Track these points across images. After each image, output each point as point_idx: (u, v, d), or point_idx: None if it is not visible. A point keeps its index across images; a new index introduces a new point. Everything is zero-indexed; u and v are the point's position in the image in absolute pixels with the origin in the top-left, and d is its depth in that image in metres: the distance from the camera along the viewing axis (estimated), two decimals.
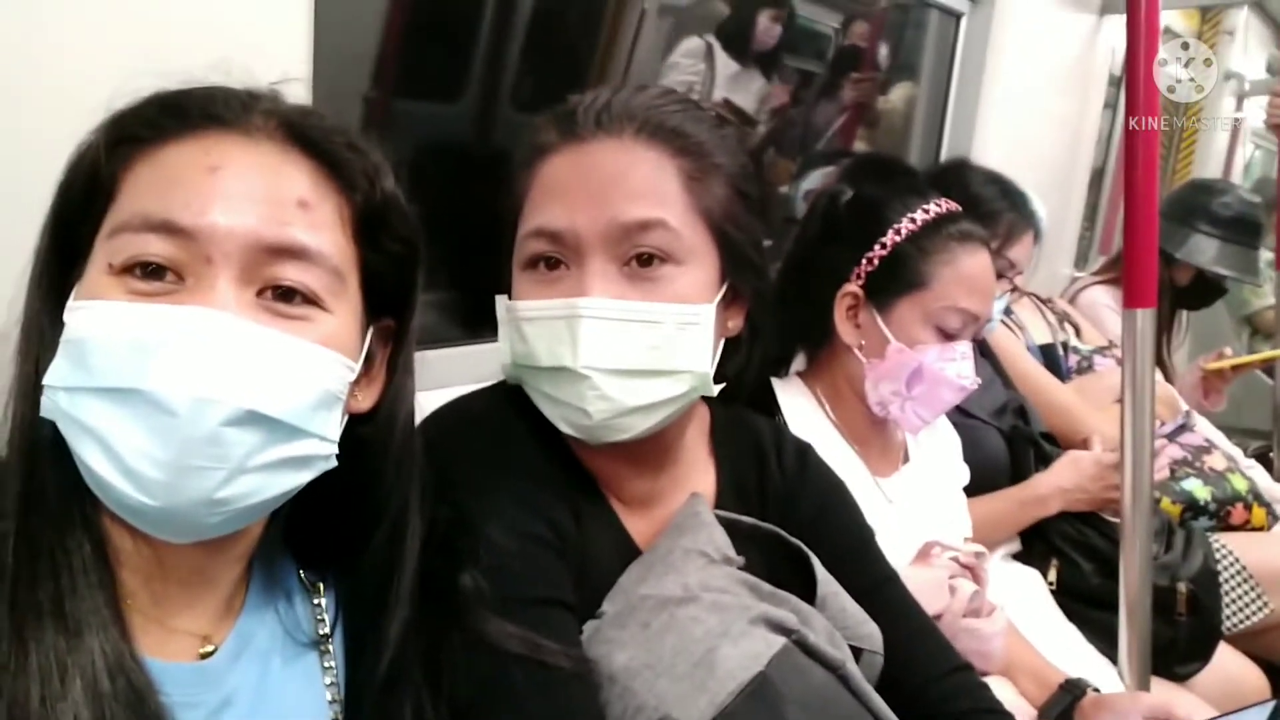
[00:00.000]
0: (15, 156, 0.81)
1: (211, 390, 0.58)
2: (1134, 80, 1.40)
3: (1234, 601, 1.78)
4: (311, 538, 0.76)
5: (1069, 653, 1.50)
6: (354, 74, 1.35)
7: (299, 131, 0.66)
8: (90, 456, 0.58)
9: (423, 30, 1.44)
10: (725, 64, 1.99)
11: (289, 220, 0.63)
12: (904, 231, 1.32)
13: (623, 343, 0.82)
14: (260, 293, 0.63)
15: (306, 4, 1.05)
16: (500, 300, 0.90)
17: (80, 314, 0.60)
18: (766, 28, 2.06)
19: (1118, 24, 2.80)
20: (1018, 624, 1.42)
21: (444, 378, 0.98)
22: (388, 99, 1.42)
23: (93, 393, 0.58)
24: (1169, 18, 3.36)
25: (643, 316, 0.82)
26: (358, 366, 0.68)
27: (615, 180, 0.83)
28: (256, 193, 0.63)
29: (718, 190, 0.87)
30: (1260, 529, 2.08)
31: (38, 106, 0.83)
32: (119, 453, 0.58)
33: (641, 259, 0.83)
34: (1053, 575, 1.66)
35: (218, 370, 0.58)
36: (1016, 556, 1.71)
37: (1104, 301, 2.52)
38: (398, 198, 0.70)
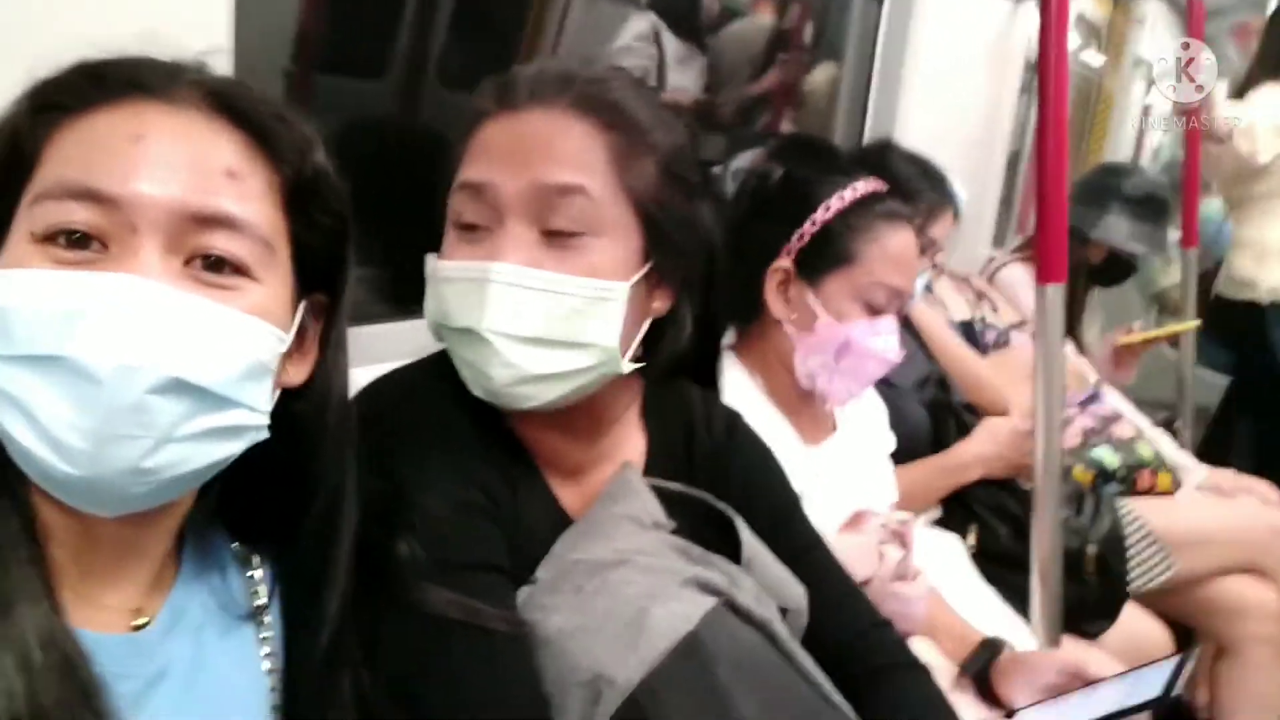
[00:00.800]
0: None
1: (136, 357, 0.57)
2: (1045, 64, 1.46)
3: (1141, 564, 1.86)
4: (245, 511, 0.75)
5: (987, 613, 1.55)
6: (276, 49, 1.33)
7: (226, 101, 0.65)
8: (13, 426, 0.58)
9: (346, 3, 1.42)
10: (672, 44, 1.99)
11: (216, 189, 0.62)
12: (833, 209, 1.35)
13: (529, 311, 0.82)
14: (188, 262, 0.62)
15: None
16: (429, 258, 0.90)
17: (1, 283, 0.59)
18: (710, 4, 2.07)
19: (1034, 10, 2.88)
20: (939, 587, 1.47)
21: (375, 355, 0.98)
22: (309, 75, 1.40)
23: (14, 360, 0.57)
24: (1082, 4, 3.46)
25: (552, 287, 0.82)
26: (289, 338, 0.67)
27: (541, 145, 0.84)
28: (182, 161, 0.62)
29: (648, 169, 0.87)
30: (1166, 493, 2.18)
31: None
32: (42, 422, 0.57)
33: (561, 230, 0.83)
34: (971, 539, 1.72)
35: (143, 337, 0.58)
36: (938, 523, 1.77)
37: (1019, 279, 2.60)
38: (328, 171, 0.70)
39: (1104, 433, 2.19)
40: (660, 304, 0.92)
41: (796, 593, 0.95)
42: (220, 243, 0.62)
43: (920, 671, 1.03)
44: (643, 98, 0.90)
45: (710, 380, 1.10)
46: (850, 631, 1.01)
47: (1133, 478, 2.14)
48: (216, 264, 0.62)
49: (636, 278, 0.87)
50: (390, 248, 1.31)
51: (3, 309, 0.58)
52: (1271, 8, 3.29)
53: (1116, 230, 2.60)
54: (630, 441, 1.00)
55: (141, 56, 0.66)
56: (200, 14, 1.00)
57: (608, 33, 1.89)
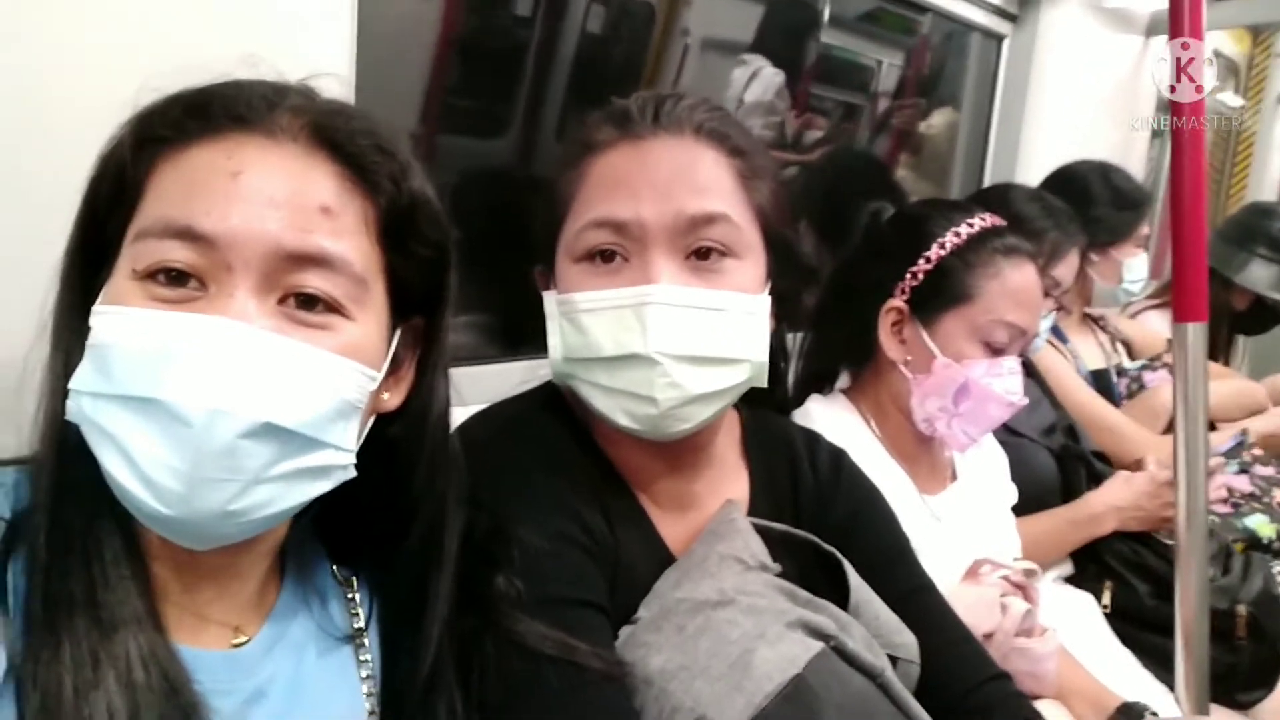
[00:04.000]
0: (50, 154, 0.81)
1: (226, 402, 0.58)
2: (1178, 80, 1.39)
3: None
4: (344, 534, 0.76)
5: (1124, 677, 1.46)
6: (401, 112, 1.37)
7: (325, 133, 0.65)
8: (110, 463, 0.59)
9: (468, 68, 1.47)
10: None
11: (312, 227, 0.62)
12: (948, 245, 1.31)
13: (691, 329, 0.83)
14: (282, 300, 0.62)
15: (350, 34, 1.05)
16: (549, 295, 0.90)
17: (104, 319, 0.61)
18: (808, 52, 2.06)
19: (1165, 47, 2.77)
20: (1070, 647, 1.38)
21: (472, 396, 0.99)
22: (434, 135, 1.45)
23: (114, 400, 0.59)
24: (1218, 40, 3.32)
25: (710, 304, 0.84)
26: (379, 375, 0.67)
27: (679, 175, 0.85)
28: (279, 198, 0.62)
29: (766, 190, 0.90)
30: None
31: (74, 103, 0.83)
32: (137, 461, 0.58)
33: (702, 252, 0.85)
34: (1106, 598, 1.62)
35: (233, 382, 0.58)
36: (1069, 580, 1.67)
37: (1155, 325, 2.48)
38: (427, 199, 0.69)
39: (1261, 499, 2.03)
40: (772, 325, 0.93)
41: (908, 641, 0.91)
42: (314, 281, 0.62)
43: None
44: (741, 125, 0.92)
45: (776, 407, 1.10)
46: (966, 683, 0.95)
47: None
48: (310, 301, 0.63)
49: (768, 290, 0.89)
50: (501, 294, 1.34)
51: (104, 346, 0.60)
52: None
53: (1261, 277, 2.46)
54: (733, 478, 0.98)
55: (241, 83, 0.66)
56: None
57: (723, 86, 1.90)
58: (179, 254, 0.60)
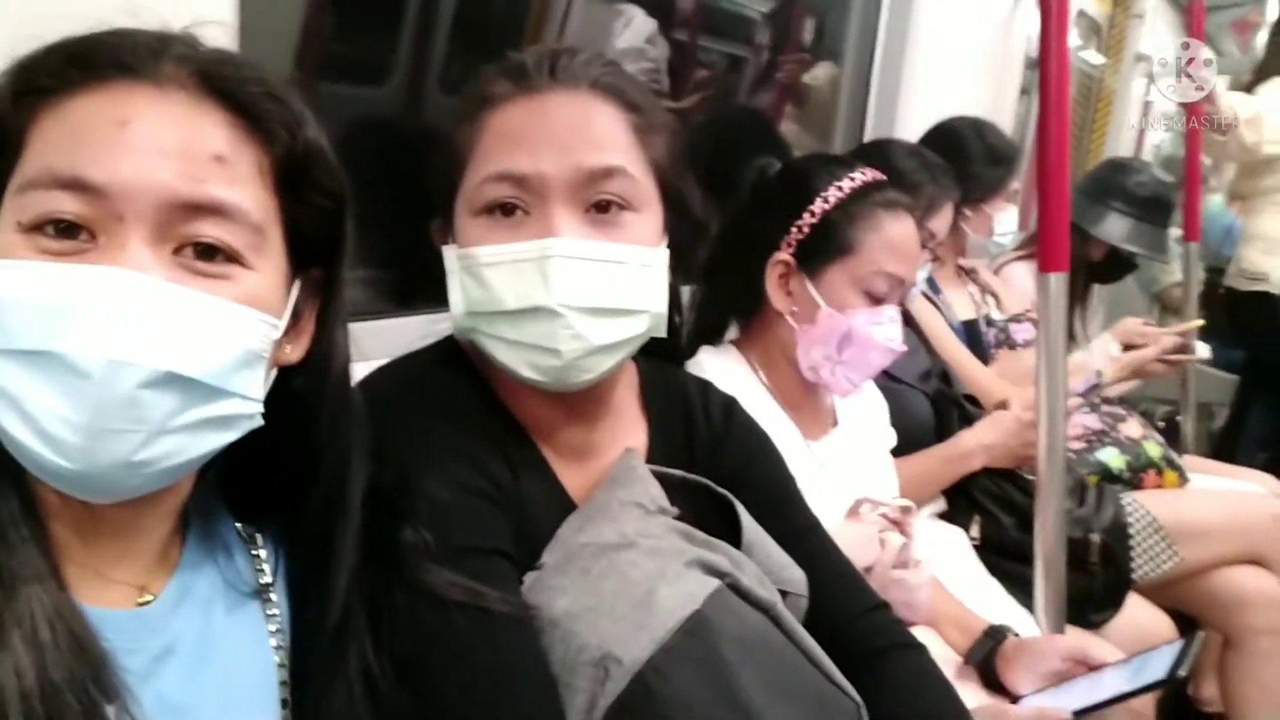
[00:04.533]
0: None
1: (126, 352, 0.57)
2: (1046, 49, 1.47)
3: (1145, 553, 1.86)
4: (247, 490, 0.75)
5: (991, 604, 1.56)
6: (280, 57, 1.33)
7: (214, 81, 0.63)
8: (6, 419, 0.58)
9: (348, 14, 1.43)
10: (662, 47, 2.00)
11: (205, 176, 0.61)
12: (831, 199, 1.36)
13: (593, 282, 0.85)
14: (178, 250, 0.61)
15: None
16: (449, 250, 0.90)
17: None
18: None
19: (1034, 7, 2.89)
20: (942, 578, 1.47)
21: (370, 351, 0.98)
22: (312, 82, 1.41)
23: (5, 355, 0.57)
24: (1082, 1, 3.47)
25: (610, 256, 0.86)
26: (282, 323, 0.67)
27: (578, 129, 0.86)
28: (170, 147, 0.60)
29: (661, 144, 0.91)
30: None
31: None
32: (34, 416, 0.57)
33: (601, 205, 0.86)
34: (975, 530, 1.72)
35: (132, 332, 0.57)
36: (942, 515, 1.78)
37: (1022, 275, 2.61)
38: (321, 147, 0.68)
39: (1111, 433, 2.19)
40: (669, 276, 0.95)
41: (797, 576, 0.96)
42: (210, 230, 0.61)
43: (919, 650, 1.04)
44: (636, 81, 0.93)
45: (671, 358, 1.14)
46: (849, 613, 1.02)
47: (1138, 479, 2.13)
48: (207, 252, 0.62)
49: (665, 242, 0.91)
50: (391, 247, 1.32)
51: None
52: (1272, 4, 3.31)
53: (1117, 230, 2.61)
54: (632, 428, 1.01)
55: (125, 32, 0.64)
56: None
57: (607, 35, 1.90)
58: (67, 205, 0.59)
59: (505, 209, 0.86)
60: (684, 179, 0.95)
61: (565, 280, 0.84)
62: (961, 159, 2.17)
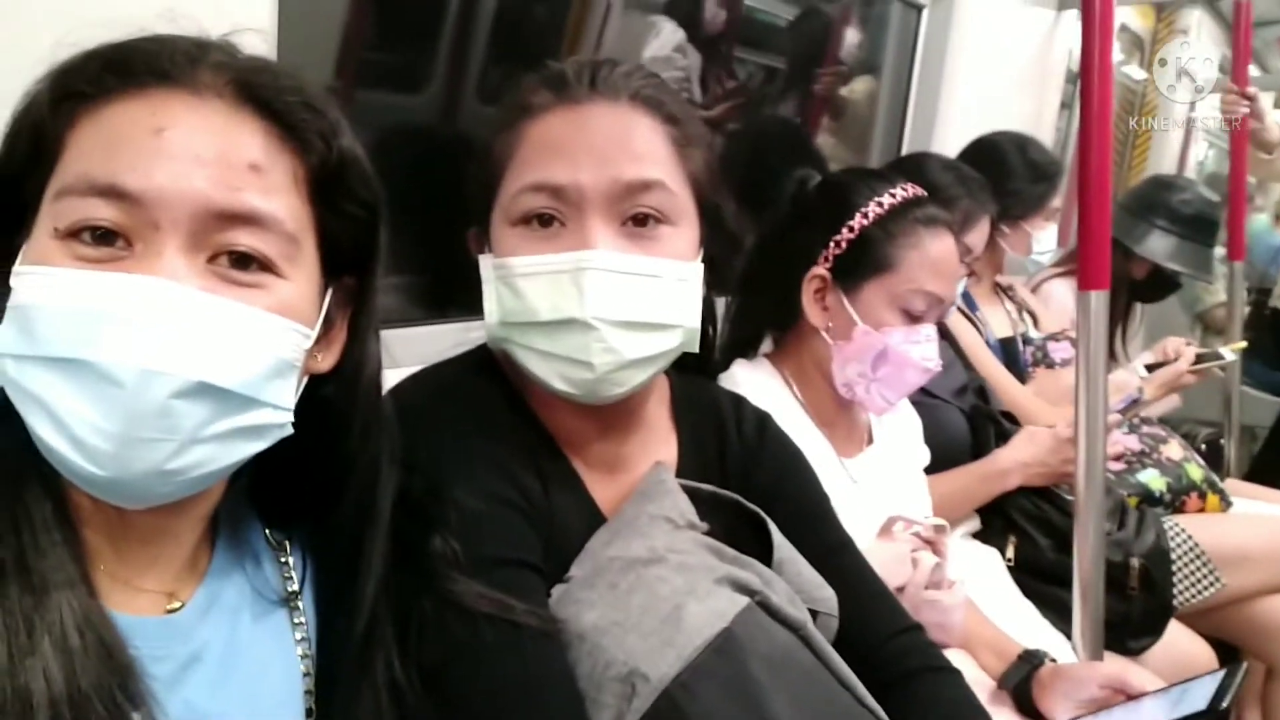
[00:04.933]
0: None
1: (159, 362, 0.57)
2: (1089, 63, 1.45)
3: (1186, 578, 1.82)
4: (277, 497, 0.76)
5: (1026, 627, 1.53)
6: (319, 65, 1.34)
7: (251, 90, 0.64)
8: (39, 425, 0.58)
9: (387, 22, 1.44)
10: (694, 57, 2.01)
11: (240, 184, 0.61)
12: (871, 215, 1.35)
13: (628, 295, 0.84)
14: (212, 259, 0.61)
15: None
16: (485, 259, 0.90)
17: (26, 279, 0.59)
18: (714, 15, 2.07)
19: (1075, 21, 2.86)
20: (976, 600, 1.45)
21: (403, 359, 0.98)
22: (351, 90, 1.42)
23: (39, 361, 0.57)
24: (1125, 15, 3.43)
25: (645, 270, 0.85)
26: (314, 332, 0.67)
27: (617, 141, 0.86)
28: (206, 155, 0.60)
29: (699, 157, 0.91)
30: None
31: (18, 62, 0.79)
32: (66, 423, 0.57)
33: (639, 218, 0.86)
34: (1010, 552, 1.69)
35: (166, 341, 0.57)
36: (976, 535, 1.75)
37: (1061, 293, 2.58)
38: (356, 156, 0.69)
39: (1151, 455, 2.15)
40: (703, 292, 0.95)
41: (828, 595, 0.95)
42: (245, 239, 0.62)
43: (952, 674, 1.02)
44: (675, 94, 0.93)
45: (704, 372, 1.13)
46: (881, 634, 1.00)
47: (1180, 501, 2.09)
48: (241, 260, 0.62)
49: (701, 256, 0.91)
50: (425, 254, 1.32)
51: (27, 307, 0.58)
52: None
53: (1160, 248, 2.57)
54: (663, 441, 1.01)
55: (164, 38, 0.64)
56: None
57: (637, 45, 1.91)
58: (104, 212, 0.59)
59: (542, 219, 0.86)
60: (720, 193, 0.95)
61: (600, 293, 0.83)
62: (1002, 174, 2.14)
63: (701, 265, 0.91)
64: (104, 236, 0.59)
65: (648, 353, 0.86)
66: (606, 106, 0.87)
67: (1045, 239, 2.29)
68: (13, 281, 0.60)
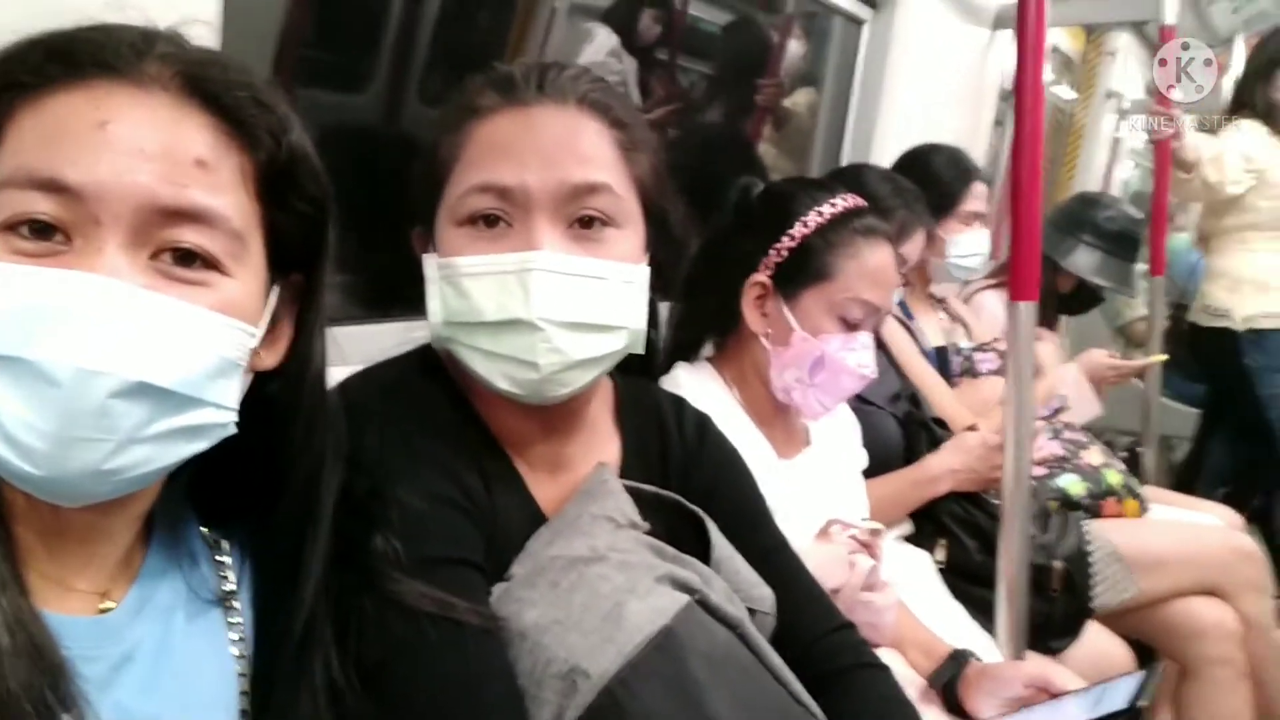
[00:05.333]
0: None
1: (98, 361, 0.56)
2: (1022, 82, 1.50)
3: (1104, 581, 1.88)
4: (216, 495, 0.74)
5: (955, 628, 1.57)
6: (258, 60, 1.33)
7: (198, 83, 0.62)
8: None
9: (329, 20, 1.43)
10: (629, 63, 2.04)
11: (187, 181, 0.60)
12: (812, 224, 1.37)
13: (573, 296, 0.85)
14: (155, 255, 0.60)
15: None
16: (430, 258, 0.90)
17: None
18: (648, 25, 2.10)
19: (1009, 41, 2.95)
20: (907, 601, 1.48)
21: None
22: (291, 87, 1.41)
23: None
24: (1056, 36, 3.54)
25: (591, 272, 0.86)
26: (259, 331, 0.66)
27: (564, 143, 0.86)
28: (150, 149, 0.59)
29: (645, 161, 0.92)
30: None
31: None
32: (1, 421, 0.56)
33: (585, 220, 0.87)
34: (941, 554, 1.73)
35: (104, 340, 0.56)
36: (908, 539, 1.78)
37: (992, 304, 2.65)
38: (306, 153, 0.68)
39: (1072, 460, 2.22)
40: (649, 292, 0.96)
41: (765, 594, 0.96)
42: (189, 236, 0.60)
43: (883, 671, 1.04)
44: (623, 98, 0.95)
45: (646, 374, 1.14)
46: (815, 632, 1.02)
47: (1098, 506, 2.16)
48: (185, 257, 0.61)
49: (646, 262, 0.91)
50: (367, 253, 1.32)
51: None
52: (1237, 44, 3.39)
53: (1086, 263, 2.66)
54: (606, 442, 1.01)
55: (108, 28, 0.63)
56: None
57: (573, 51, 1.92)
58: (43, 205, 0.58)
59: (488, 220, 0.86)
60: (666, 197, 0.96)
61: (545, 294, 0.84)
62: (926, 181, 2.19)
63: (647, 268, 0.92)
64: (43, 230, 0.58)
65: (593, 354, 0.87)
66: (554, 109, 0.87)
67: (964, 243, 2.33)
68: None
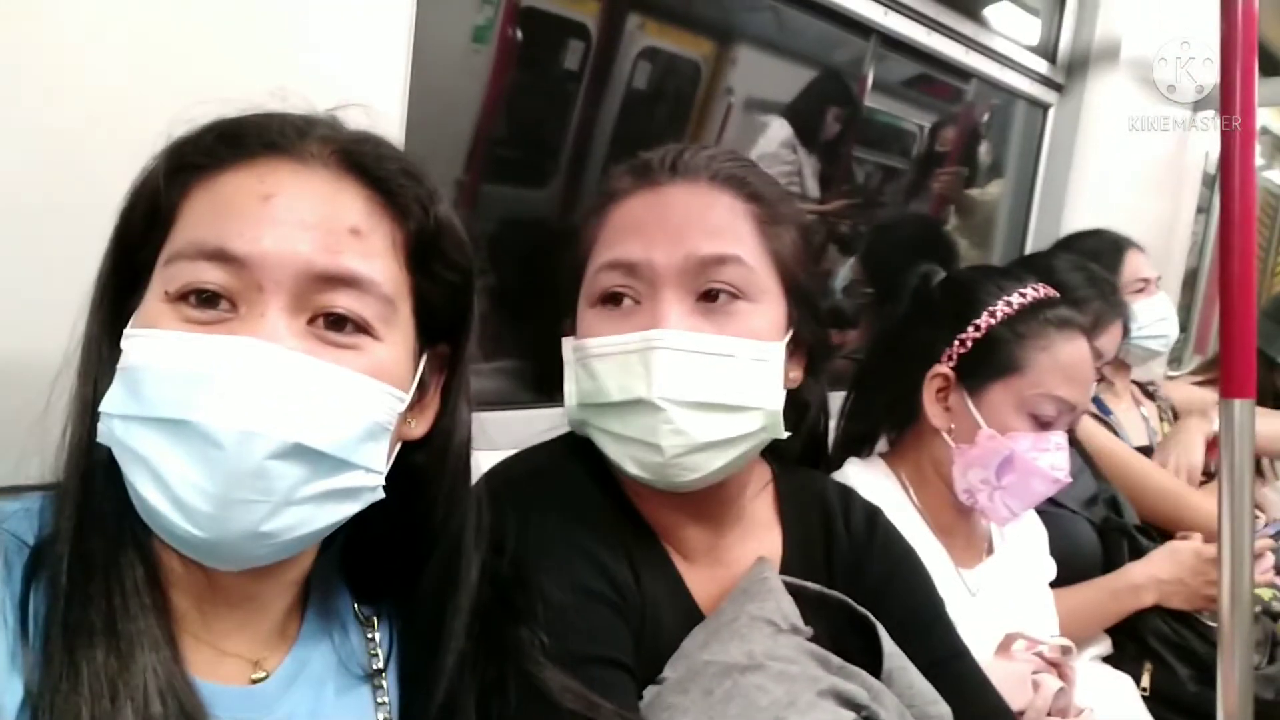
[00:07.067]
0: (92, 182, 0.79)
1: (257, 423, 0.58)
2: (1229, 167, 1.38)
3: None
4: (367, 567, 0.76)
5: None
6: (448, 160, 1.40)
7: (353, 158, 0.66)
8: (142, 485, 0.59)
9: (515, 119, 1.50)
10: (806, 155, 2.05)
11: (341, 248, 0.63)
12: (999, 314, 1.30)
13: (697, 375, 0.82)
14: (311, 320, 0.63)
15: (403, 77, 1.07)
16: (567, 342, 0.90)
17: (136, 341, 0.61)
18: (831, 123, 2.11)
19: (1212, 122, 2.77)
20: None
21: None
22: (477, 183, 1.47)
23: (145, 422, 0.59)
24: (1264, 117, 3.32)
25: (717, 349, 0.83)
26: (408, 396, 0.68)
27: (692, 218, 0.85)
28: (309, 220, 0.63)
29: (787, 237, 0.89)
30: None
31: (111, 138, 0.84)
32: (169, 483, 0.58)
33: (713, 294, 0.84)
34: (1146, 680, 1.57)
35: (264, 403, 0.58)
36: (1107, 659, 1.63)
37: None
38: (453, 224, 0.70)
39: None
40: (796, 374, 0.92)
41: (943, 712, 0.88)
42: (343, 301, 0.63)
43: None
44: (765, 175, 0.92)
45: (815, 464, 1.09)
46: None
47: None
48: (339, 322, 0.63)
49: (785, 339, 0.88)
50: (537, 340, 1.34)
51: (136, 368, 0.60)
52: None
53: None
54: (765, 534, 0.97)
55: (273, 114, 0.68)
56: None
57: (748, 143, 1.96)
58: (211, 275, 0.61)
59: (616, 298, 0.86)
60: (813, 274, 0.93)
61: (667, 372, 0.81)
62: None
63: (782, 346, 0.87)
64: (210, 299, 0.61)
65: (721, 435, 0.83)
66: (686, 186, 0.87)
67: (1140, 314, 2.12)
68: (123, 344, 0.62)
